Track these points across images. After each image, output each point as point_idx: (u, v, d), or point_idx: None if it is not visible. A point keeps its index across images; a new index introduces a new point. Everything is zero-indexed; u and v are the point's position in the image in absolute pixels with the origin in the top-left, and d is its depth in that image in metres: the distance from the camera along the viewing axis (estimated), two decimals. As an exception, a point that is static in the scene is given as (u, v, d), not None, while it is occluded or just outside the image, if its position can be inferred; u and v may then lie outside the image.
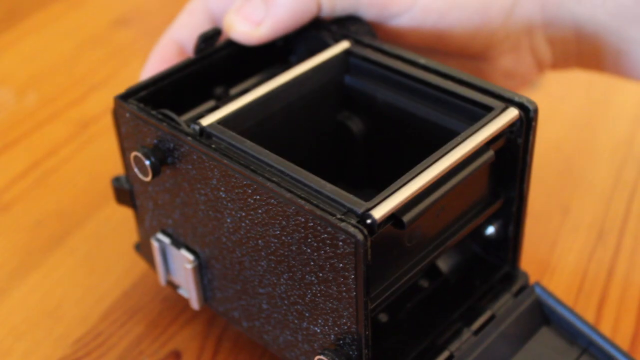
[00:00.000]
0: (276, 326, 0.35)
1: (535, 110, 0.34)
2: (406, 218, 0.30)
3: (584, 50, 0.45)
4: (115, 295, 0.43)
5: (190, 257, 0.37)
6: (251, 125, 0.36)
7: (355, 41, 0.39)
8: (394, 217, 0.30)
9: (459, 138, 0.33)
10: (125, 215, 0.48)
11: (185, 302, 0.43)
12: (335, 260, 0.30)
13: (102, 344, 0.41)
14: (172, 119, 0.35)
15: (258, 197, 0.32)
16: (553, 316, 0.37)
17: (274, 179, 0.31)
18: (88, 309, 0.43)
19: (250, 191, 0.32)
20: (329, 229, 0.29)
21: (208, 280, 0.38)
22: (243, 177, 0.32)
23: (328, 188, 0.30)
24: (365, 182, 0.42)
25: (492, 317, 0.37)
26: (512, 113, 0.34)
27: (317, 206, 0.30)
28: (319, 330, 0.33)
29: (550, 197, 0.50)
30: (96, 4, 0.72)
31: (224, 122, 0.34)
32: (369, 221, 0.29)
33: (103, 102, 0.58)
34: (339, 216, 0.29)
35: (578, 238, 0.47)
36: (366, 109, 0.39)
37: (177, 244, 0.38)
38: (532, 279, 0.45)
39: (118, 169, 0.52)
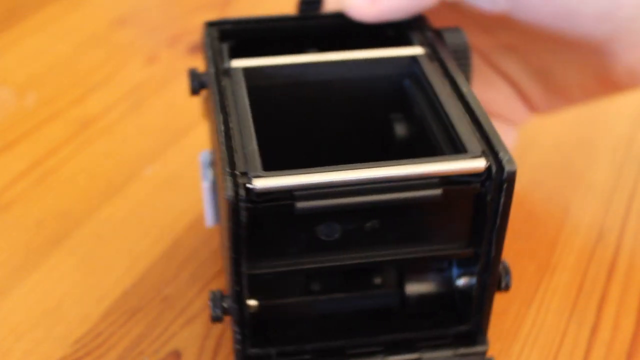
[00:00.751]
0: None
1: (511, 174, 0.31)
2: (300, 204, 0.31)
3: None
4: (115, 295, 0.43)
5: (209, 176, 0.40)
6: (279, 84, 0.37)
7: (433, 51, 0.38)
8: (289, 196, 0.31)
9: (404, 161, 0.32)
10: (125, 215, 0.48)
11: (185, 302, 0.43)
12: (227, 211, 0.31)
13: (102, 344, 0.41)
14: (220, 53, 0.37)
15: (217, 138, 0.34)
16: None
17: (230, 124, 0.33)
18: (88, 309, 0.43)
19: (217, 132, 0.34)
20: (223, 180, 0.31)
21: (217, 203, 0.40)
22: (215, 116, 0.34)
23: (250, 148, 0.32)
24: None
25: None
26: (476, 163, 0.31)
27: (229, 157, 0.31)
28: (227, 276, 0.34)
29: (550, 197, 0.50)
30: (96, 4, 0.72)
31: (254, 70, 0.36)
32: (249, 185, 0.30)
33: (103, 102, 0.58)
34: (233, 171, 0.31)
35: (578, 238, 0.47)
36: (410, 117, 0.39)
37: (211, 162, 0.40)
38: (533, 279, 0.45)
39: (118, 169, 0.52)
